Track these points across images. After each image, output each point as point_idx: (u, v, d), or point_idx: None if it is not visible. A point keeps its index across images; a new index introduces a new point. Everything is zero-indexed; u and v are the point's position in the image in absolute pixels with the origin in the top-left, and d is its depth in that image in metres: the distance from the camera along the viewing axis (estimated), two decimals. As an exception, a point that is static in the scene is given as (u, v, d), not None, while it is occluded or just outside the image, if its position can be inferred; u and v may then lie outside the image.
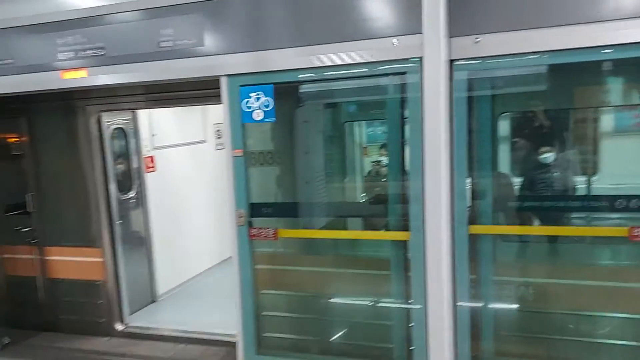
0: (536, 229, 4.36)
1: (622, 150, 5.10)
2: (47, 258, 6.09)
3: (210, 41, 4.16)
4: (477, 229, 4.06)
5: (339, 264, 4.97)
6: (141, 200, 6.67)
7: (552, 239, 4.48)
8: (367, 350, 4.55)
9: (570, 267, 4.41)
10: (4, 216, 6.20)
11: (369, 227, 5.12)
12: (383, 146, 6.38)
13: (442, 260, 3.77)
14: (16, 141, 6.08)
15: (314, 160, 4.85)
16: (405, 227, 4.04)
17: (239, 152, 4.26)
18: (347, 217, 5.16)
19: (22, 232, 6.08)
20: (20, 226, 6.08)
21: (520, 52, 3.53)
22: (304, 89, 4.38)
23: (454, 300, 3.96)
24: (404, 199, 4.13)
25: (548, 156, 4.94)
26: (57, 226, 6.03)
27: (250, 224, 4.38)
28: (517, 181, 4.85)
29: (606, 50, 3.40)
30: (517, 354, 4.26)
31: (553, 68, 3.69)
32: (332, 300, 4.90)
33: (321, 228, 4.74)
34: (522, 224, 4.42)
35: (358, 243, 5.03)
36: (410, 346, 4.10)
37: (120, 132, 6.33)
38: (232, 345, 4.92)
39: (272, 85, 4.06)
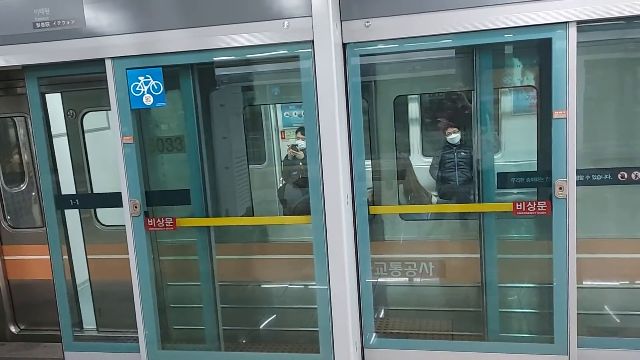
0: (431, 207, 4.48)
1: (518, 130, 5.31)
2: None
3: (92, 22, 3.89)
4: (377, 209, 4.12)
5: (253, 251, 4.89)
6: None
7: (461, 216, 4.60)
8: (276, 336, 4.51)
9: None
10: None
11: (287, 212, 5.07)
12: (299, 130, 6.30)
13: (343, 241, 3.78)
14: None
15: (216, 146, 4.70)
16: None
17: (129, 139, 4.05)
18: (257, 203, 5.08)
19: None
20: None
21: (410, 35, 3.57)
22: (204, 71, 4.21)
23: (358, 279, 4.00)
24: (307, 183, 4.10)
25: (453, 137, 5.05)
26: None
27: (146, 214, 4.19)
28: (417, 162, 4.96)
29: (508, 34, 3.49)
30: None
31: (442, 52, 3.76)
32: (238, 286, 4.83)
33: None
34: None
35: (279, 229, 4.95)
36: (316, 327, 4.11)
37: (10, 122, 5.84)
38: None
39: (160, 68, 3.88)
